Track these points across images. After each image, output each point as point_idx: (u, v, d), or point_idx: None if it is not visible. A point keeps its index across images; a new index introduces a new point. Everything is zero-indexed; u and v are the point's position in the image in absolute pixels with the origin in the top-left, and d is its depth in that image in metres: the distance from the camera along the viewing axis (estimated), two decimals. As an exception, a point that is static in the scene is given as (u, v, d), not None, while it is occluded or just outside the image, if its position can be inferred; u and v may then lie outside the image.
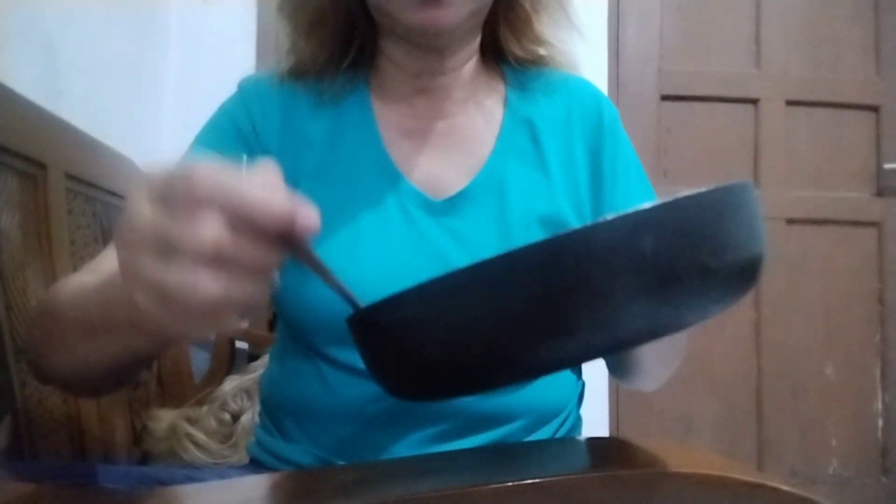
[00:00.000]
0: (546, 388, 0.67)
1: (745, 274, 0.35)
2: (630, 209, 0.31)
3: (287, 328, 0.70)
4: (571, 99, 0.72)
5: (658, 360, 0.65)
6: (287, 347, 0.70)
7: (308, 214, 0.33)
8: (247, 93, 0.70)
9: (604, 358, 0.73)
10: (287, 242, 0.33)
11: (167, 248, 0.31)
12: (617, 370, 0.69)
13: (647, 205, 0.31)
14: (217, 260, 0.31)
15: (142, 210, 0.32)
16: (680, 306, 0.33)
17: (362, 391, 0.62)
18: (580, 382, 0.74)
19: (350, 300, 0.40)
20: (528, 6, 0.69)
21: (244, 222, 0.31)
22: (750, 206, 0.35)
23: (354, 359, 0.61)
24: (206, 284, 0.31)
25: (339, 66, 0.68)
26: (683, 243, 0.32)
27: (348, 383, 0.63)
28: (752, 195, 0.36)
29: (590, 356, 0.36)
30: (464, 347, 0.33)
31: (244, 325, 0.36)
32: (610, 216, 0.31)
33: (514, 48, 0.71)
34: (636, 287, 0.31)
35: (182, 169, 0.32)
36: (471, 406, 0.62)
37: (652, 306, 0.32)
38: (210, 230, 0.31)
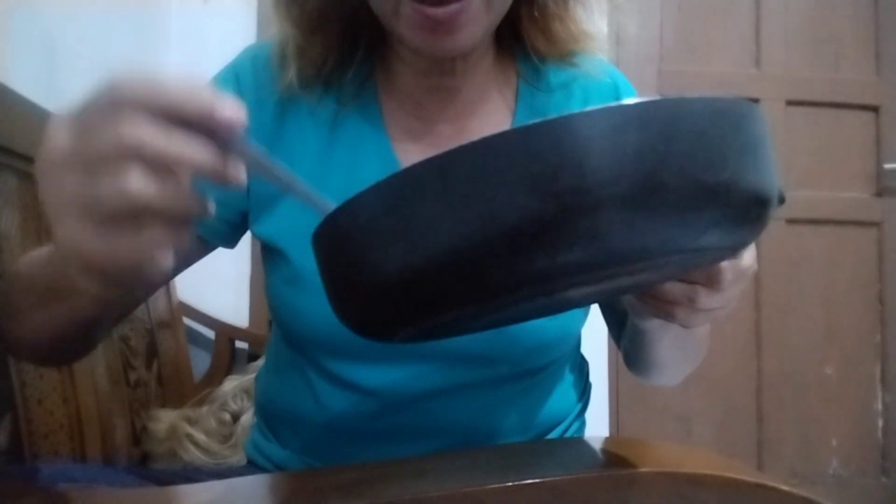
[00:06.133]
0: (543, 403, 0.67)
1: (747, 209, 0.30)
2: (613, 103, 0.28)
3: (282, 337, 0.68)
4: (588, 87, 0.68)
5: (678, 355, 0.64)
6: (281, 356, 0.69)
7: (232, 106, 0.31)
8: (243, 70, 0.69)
9: (611, 331, 0.71)
10: (216, 137, 0.32)
11: (90, 161, 0.30)
12: (634, 364, 0.68)
13: (632, 100, 0.27)
14: (144, 156, 0.29)
15: (59, 134, 0.31)
16: (669, 223, 0.28)
17: (356, 406, 0.62)
18: (582, 400, 0.74)
19: (319, 206, 0.36)
20: (558, 5, 0.63)
21: (165, 112, 0.30)
22: (755, 131, 0.31)
23: (349, 371, 0.62)
24: (137, 182, 0.29)
25: (345, 71, 0.64)
26: (673, 148, 0.28)
27: (342, 397, 0.62)
28: (759, 123, 0.31)
29: (569, 275, 0.30)
30: (427, 247, 0.29)
31: (172, 260, 0.32)
32: (591, 108, 0.27)
33: (543, 47, 0.65)
34: (619, 190, 0.27)
35: (100, 85, 0.32)
36: (466, 422, 0.63)
37: (638, 219, 0.28)
38: (134, 125, 0.30)
